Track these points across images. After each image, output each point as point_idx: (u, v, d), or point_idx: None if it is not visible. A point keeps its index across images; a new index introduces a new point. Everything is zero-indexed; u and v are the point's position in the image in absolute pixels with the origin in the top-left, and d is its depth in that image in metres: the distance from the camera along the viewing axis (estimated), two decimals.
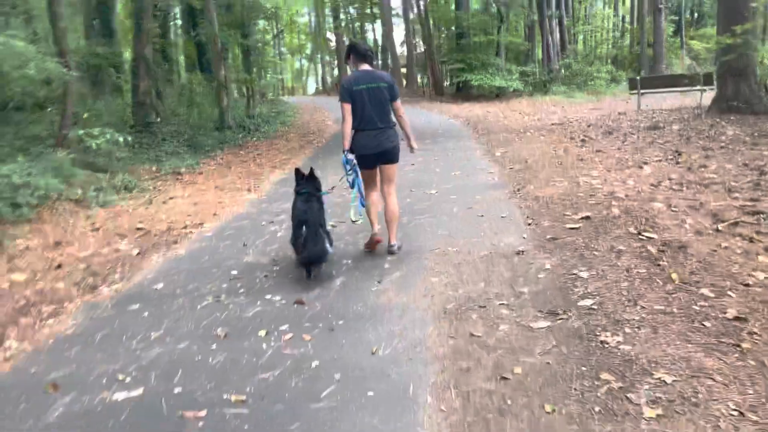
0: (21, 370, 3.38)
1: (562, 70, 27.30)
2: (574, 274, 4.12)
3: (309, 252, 4.46)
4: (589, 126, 12.93)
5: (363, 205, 5.19)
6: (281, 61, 43.02)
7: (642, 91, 15.46)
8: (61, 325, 4.03)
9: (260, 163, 11.34)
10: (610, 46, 35.67)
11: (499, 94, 25.37)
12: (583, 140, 10.77)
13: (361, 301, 4.02)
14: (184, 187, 9.06)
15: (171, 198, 8.23)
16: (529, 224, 5.56)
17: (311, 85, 57.32)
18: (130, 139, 10.13)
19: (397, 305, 3.91)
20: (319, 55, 53.09)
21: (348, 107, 4.82)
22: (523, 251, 4.76)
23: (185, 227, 6.57)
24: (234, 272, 4.91)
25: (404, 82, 36.20)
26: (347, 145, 4.87)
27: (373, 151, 4.92)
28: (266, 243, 5.75)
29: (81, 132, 9.81)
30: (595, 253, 4.49)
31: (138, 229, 6.57)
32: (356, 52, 5.00)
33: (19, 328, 3.97)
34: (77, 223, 6.82)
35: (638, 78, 16.04)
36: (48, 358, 3.53)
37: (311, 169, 5.02)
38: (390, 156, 5.00)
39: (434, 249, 5.08)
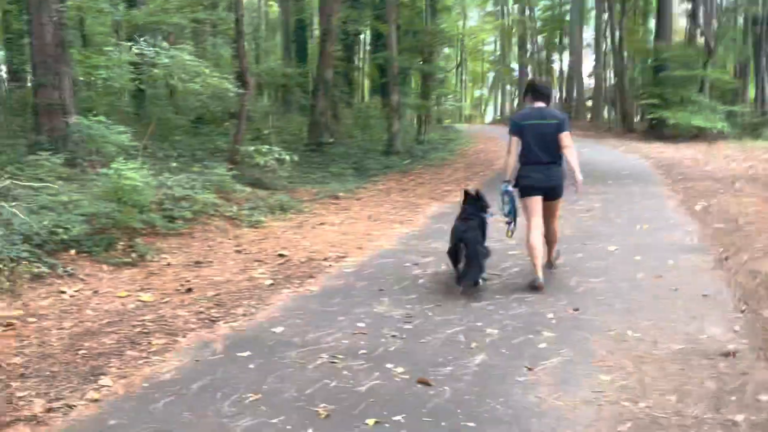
0: (96, 421, 2.96)
1: None
2: None
3: (465, 273, 4.81)
4: None
5: (512, 231, 5.29)
6: (461, 89, 42.91)
7: None
8: (164, 365, 3.61)
9: (420, 194, 10.74)
10: None
11: (698, 135, 22.49)
12: None
13: (502, 396, 3.09)
14: (337, 213, 8.73)
15: (321, 224, 7.89)
16: (743, 311, 4.20)
17: (489, 114, 56.58)
18: (296, 158, 10.12)
19: (549, 411, 2.92)
20: (500, 84, 52.23)
21: (515, 140, 5.01)
22: (734, 352, 3.50)
23: (326, 259, 6.09)
24: (361, 324, 4.23)
25: (589, 116, 33.98)
26: (509, 176, 5.10)
27: (536, 184, 5.01)
28: (404, 290, 5.03)
29: (252, 148, 10.03)
30: None
31: (279, 255, 6.23)
32: (534, 90, 5.22)
33: (122, 362, 3.64)
34: (223, 243, 6.67)
35: None
36: (131, 408, 3.08)
37: (476, 191, 5.28)
38: (554, 193, 5.10)
39: (608, 329, 3.98)
